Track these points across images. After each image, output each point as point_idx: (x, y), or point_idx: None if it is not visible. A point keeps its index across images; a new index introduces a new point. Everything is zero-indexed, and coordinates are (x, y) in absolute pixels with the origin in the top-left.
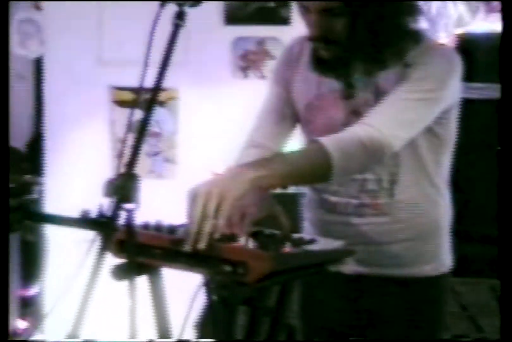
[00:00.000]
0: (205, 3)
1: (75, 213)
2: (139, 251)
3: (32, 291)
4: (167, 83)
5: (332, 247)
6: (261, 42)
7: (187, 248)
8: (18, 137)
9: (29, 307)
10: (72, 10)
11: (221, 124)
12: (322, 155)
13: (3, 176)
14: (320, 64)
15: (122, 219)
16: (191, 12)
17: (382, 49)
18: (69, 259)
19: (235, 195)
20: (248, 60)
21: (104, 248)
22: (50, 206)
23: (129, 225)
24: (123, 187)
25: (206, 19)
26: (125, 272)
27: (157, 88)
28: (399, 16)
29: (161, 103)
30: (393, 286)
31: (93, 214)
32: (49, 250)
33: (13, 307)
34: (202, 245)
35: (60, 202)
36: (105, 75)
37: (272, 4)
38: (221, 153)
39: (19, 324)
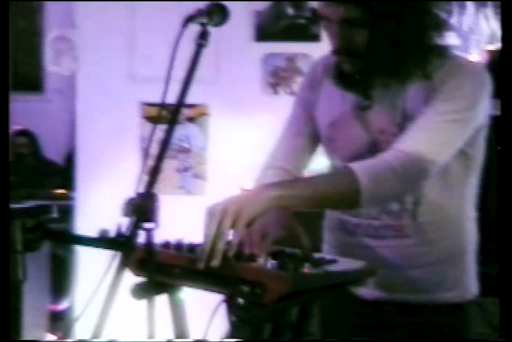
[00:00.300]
0: (236, 20)
1: (103, 229)
2: (158, 270)
3: (63, 305)
4: (197, 99)
5: (353, 267)
6: (291, 58)
7: (200, 266)
8: (57, 151)
9: (59, 321)
10: (104, 27)
11: (251, 141)
12: (349, 180)
13: (3, 176)
14: (343, 79)
15: (141, 238)
16: (222, 29)
17: (403, 62)
18: (99, 274)
19: (251, 213)
20: (278, 77)
21: (122, 267)
22: (80, 221)
23: (148, 244)
24: (142, 206)
25: (237, 36)
26: (145, 291)
27: (179, 106)
28: (421, 29)
29: (191, 119)
30: (415, 313)
31: (112, 233)
32: (79, 265)
33: (43, 321)
34: (215, 263)
35: (91, 217)
36: (135, 91)
37: (302, 20)
38: (250, 169)
39: (48, 337)
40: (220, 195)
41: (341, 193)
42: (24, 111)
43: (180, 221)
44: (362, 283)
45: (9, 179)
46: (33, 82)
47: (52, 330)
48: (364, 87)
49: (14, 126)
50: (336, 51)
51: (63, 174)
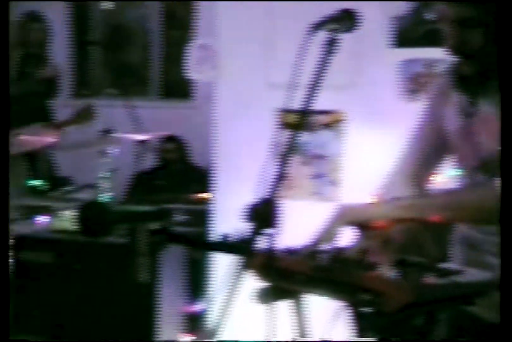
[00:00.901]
0: (373, 25)
1: (225, 233)
2: (280, 276)
3: (198, 307)
4: (334, 105)
5: (481, 278)
6: (430, 64)
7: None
8: (204, 157)
9: (196, 322)
10: (242, 34)
11: (387, 148)
12: (492, 195)
13: (3, 177)
14: (462, 82)
15: (263, 243)
16: (359, 35)
17: None
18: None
19: (379, 222)
20: (417, 83)
21: (243, 271)
22: (216, 225)
23: (269, 250)
24: (263, 212)
25: (375, 42)
26: (267, 296)
27: (306, 112)
28: None
29: (327, 126)
30: None
31: (233, 238)
32: (215, 267)
33: (178, 322)
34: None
35: (226, 222)
36: (273, 98)
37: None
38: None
39: (184, 339)
40: (354, 202)
41: (480, 207)
42: (173, 118)
43: (315, 227)
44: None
45: (8, 179)
46: (183, 90)
47: (187, 331)
48: (481, 91)
49: (163, 132)
50: (451, 51)
51: (208, 179)
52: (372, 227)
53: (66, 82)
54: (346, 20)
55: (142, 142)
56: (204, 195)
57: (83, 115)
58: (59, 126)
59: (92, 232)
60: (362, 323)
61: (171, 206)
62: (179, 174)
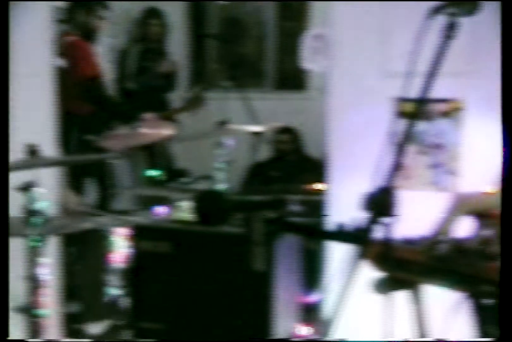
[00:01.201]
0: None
1: (340, 222)
2: (398, 266)
3: (314, 297)
4: (452, 93)
5: None
6: None
7: None
8: (319, 148)
9: (312, 313)
10: (357, 23)
11: None
12: None
13: (3, 177)
14: None
15: (380, 232)
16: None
17: None
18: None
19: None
20: None
21: (359, 261)
22: (331, 216)
23: (386, 239)
24: (380, 201)
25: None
26: (384, 286)
27: (423, 101)
28: None
29: (445, 114)
30: None
31: (349, 227)
32: (330, 257)
33: (294, 312)
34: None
35: (341, 212)
36: (389, 86)
37: None
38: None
39: (301, 329)
40: (472, 191)
41: None
42: (288, 109)
43: (432, 217)
44: None
45: (8, 180)
46: (297, 81)
47: (303, 322)
48: None
49: (278, 123)
50: None
51: (322, 169)
52: (492, 216)
53: (183, 75)
54: (466, 3)
55: (257, 133)
56: (319, 186)
57: (193, 103)
58: (171, 114)
59: (209, 220)
60: (483, 315)
61: (286, 196)
62: (294, 165)
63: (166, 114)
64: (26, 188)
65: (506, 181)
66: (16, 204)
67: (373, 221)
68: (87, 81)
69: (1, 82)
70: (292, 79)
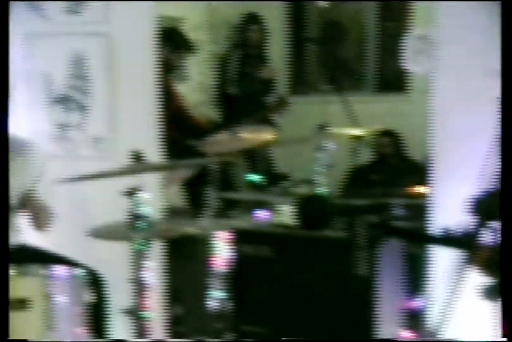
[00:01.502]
0: None
1: (446, 227)
2: None
3: (418, 303)
4: None
5: None
6: None
7: None
8: (421, 152)
9: (415, 319)
10: (461, 22)
11: None
12: None
13: (3, 177)
14: None
15: (488, 237)
16: None
17: None
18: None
19: None
20: None
21: (465, 266)
22: (435, 220)
23: (495, 244)
24: (488, 205)
25: None
26: (493, 293)
27: None
28: None
29: None
30: None
31: (455, 231)
32: (435, 262)
33: (397, 318)
34: None
35: (444, 216)
36: (493, 87)
37: None
38: None
39: (404, 335)
40: None
41: None
42: (388, 111)
43: None
44: None
45: (8, 179)
46: (398, 84)
47: (407, 328)
48: None
49: (379, 127)
50: None
51: (424, 172)
52: None
53: (283, 80)
54: None
55: (357, 137)
56: (421, 189)
57: (279, 104)
58: (261, 116)
59: (311, 224)
60: None
61: (388, 200)
62: (395, 168)
63: (258, 116)
64: (131, 192)
65: (506, 180)
66: (122, 209)
67: (481, 225)
68: None
69: (1, 82)
70: (394, 81)
